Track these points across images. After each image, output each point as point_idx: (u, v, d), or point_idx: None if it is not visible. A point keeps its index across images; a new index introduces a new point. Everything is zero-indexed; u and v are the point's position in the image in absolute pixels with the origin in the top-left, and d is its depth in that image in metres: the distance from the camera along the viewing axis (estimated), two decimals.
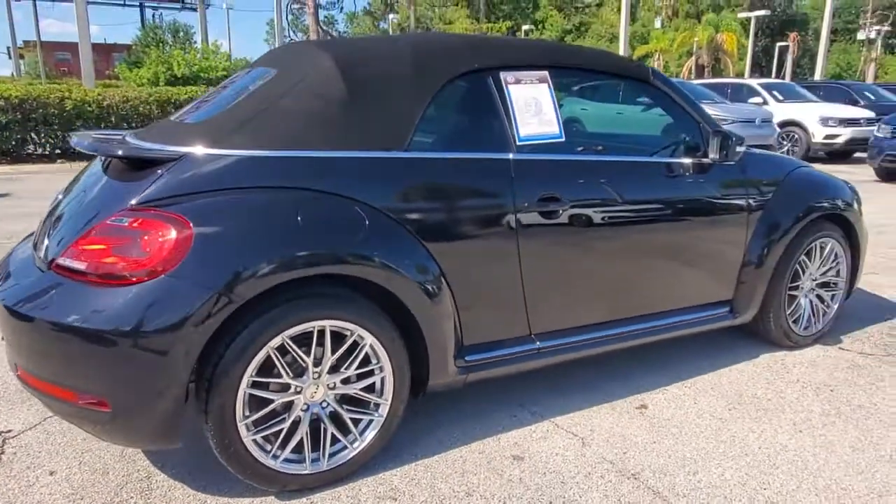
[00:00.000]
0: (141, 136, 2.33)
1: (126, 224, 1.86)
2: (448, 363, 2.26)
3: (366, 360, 2.12)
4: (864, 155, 10.42)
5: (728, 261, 2.99)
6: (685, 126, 2.89)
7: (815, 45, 34.66)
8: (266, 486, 2.05)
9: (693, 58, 34.49)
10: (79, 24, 13.94)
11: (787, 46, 37.55)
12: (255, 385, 1.94)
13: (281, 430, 2.03)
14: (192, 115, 2.46)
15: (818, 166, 3.63)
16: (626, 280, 2.70)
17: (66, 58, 48.21)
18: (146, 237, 1.83)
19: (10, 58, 34.49)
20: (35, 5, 33.36)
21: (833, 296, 3.42)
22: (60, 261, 1.90)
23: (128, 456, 2.28)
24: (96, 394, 1.83)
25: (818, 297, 3.37)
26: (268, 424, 2.00)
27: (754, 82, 13.91)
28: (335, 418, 2.12)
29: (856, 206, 3.40)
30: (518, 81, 2.45)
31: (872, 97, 14.46)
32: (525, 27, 46.56)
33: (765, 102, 12.61)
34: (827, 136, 11.88)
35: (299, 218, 1.95)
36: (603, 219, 2.55)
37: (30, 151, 10.74)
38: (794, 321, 3.26)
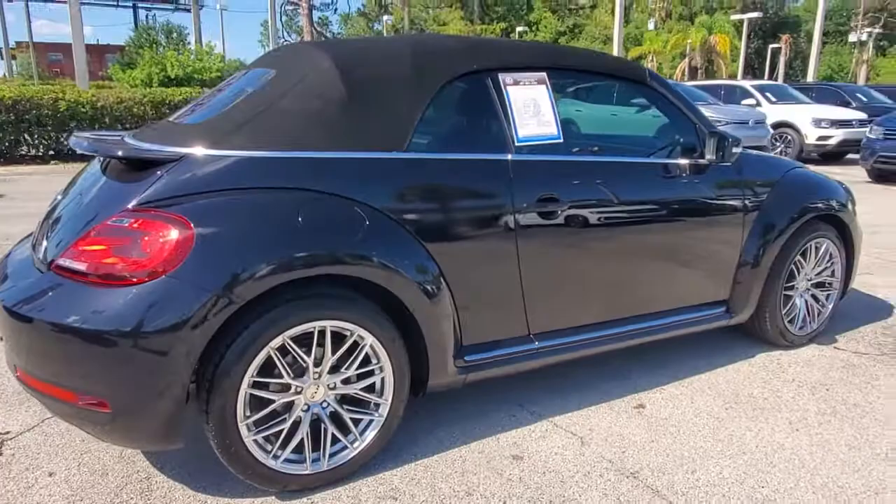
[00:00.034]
0: (140, 137, 2.32)
1: (126, 225, 1.86)
2: (448, 363, 2.27)
3: (366, 361, 2.12)
4: (856, 156, 10.48)
5: (724, 261, 3.01)
6: (682, 127, 2.90)
7: (807, 47, 34.81)
8: (266, 486, 2.05)
9: (686, 59, 34.59)
10: (72, 25, 13.84)
11: (780, 48, 37.70)
12: (255, 385, 1.94)
13: (281, 431, 2.03)
14: (192, 115, 2.46)
15: (812, 167, 3.66)
16: (624, 280, 2.71)
17: (59, 59, 47.96)
18: (147, 238, 1.82)
19: (2, 59, 34.26)
20: (27, 6, 33.23)
21: (828, 296, 3.44)
22: (60, 261, 1.90)
23: (127, 457, 2.27)
24: (96, 395, 1.82)
25: (813, 296, 3.39)
26: (268, 425, 2.01)
27: (747, 84, 13.98)
28: (335, 418, 2.12)
29: (850, 206, 3.43)
30: (516, 83, 2.46)
31: (864, 99, 14.54)
32: (519, 29, 46.68)
33: (758, 104, 12.68)
34: (819, 138, 11.93)
35: (300, 218, 1.96)
36: (601, 219, 2.57)
37: (23, 153, 10.69)
38: (790, 321, 3.28)
